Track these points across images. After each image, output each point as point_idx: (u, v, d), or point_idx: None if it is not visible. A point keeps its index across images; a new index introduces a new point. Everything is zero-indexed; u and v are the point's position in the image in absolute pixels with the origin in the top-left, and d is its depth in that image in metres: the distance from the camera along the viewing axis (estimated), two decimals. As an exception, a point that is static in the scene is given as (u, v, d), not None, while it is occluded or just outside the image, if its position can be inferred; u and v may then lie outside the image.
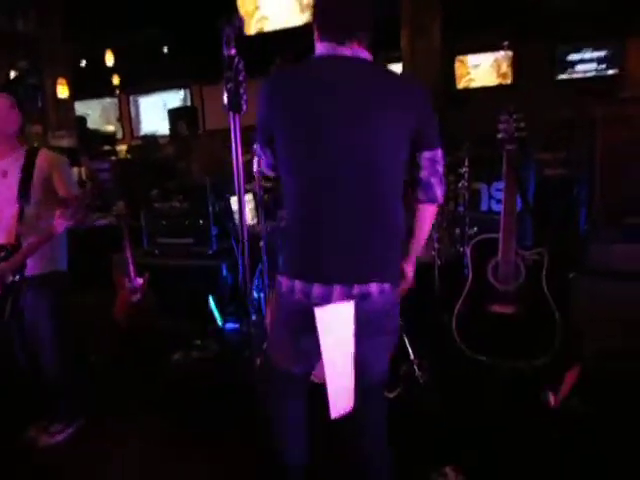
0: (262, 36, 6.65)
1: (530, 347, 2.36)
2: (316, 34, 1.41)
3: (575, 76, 7.49)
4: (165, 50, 8.75)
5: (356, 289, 1.36)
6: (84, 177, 5.14)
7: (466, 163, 2.76)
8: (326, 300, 1.36)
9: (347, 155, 1.31)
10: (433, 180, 1.41)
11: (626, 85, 6.47)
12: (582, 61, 7.50)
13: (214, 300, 3.36)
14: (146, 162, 5.26)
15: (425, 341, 2.51)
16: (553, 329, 2.35)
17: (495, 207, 3.40)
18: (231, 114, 1.30)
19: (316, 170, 1.34)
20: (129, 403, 2.55)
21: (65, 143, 5.03)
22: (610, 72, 7.29)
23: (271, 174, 1.54)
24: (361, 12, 1.37)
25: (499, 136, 2.30)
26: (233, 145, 1.33)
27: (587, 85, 7.18)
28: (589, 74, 7.42)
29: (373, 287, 1.37)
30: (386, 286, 1.39)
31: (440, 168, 1.42)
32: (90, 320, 3.30)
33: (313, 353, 1.40)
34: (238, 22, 1.30)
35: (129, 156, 6.79)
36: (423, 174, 1.41)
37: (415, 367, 2.36)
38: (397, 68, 8.09)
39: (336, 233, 1.35)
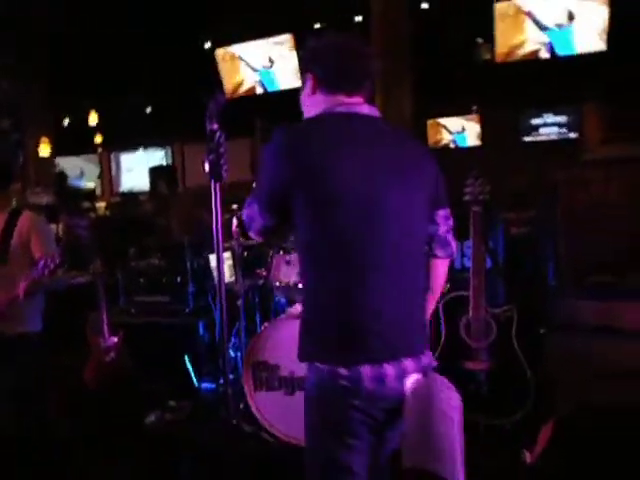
0: (240, 99, 6.96)
1: (504, 404, 2.39)
2: (316, 86, 1.34)
3: (539, 139, 7.98)
4: (148, 110, 9.05)
5: (424, 359, 1.28)
6: (61, 234, 5.12)
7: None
8: (400, 379, 1.22)
9: (389, 218, 1.25)
10: (449, 236, 1.43)
11: (586, 148, 6.90)
12: (545, 125, 8.02)
13: (190, 359, 3.31)
14: (125, 219, 5.29)
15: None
16: (526, 385, 2.39)
17: (467, 264, 3.51)
18: (212, 182, 1.38)
19: (356, 234, 1.22)
20: (100, 469, 2.45)
21: (44, 200, 5.05)
22: (571, 135, 7.80)
23: (260, 239, 1.45)
24: (366, 62, 1.36)
25: (465, 198, 2.45)
26: (214, 211, 1.40)
27: (550, 148, 7.64)
28: (552, 137, 7.92)
29: (425, 359, 1.30)
30: (429, 353, 1.34)
31: (452, 224, 1.45)
32: (62, 381, 3.20)
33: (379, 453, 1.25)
34: (221, 98, 1.41)
35: (108, 213, 6.83)
36: (441, 230, 1.41)
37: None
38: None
39: (391, 301, 1.24)
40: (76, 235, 5.20)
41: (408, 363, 1.23)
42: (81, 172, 9.85)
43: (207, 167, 1.36)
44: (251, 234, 1.41)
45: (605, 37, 5.39)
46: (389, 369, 1.21)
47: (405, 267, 1.28)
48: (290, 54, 6.54)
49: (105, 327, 3.18)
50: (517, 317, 2.41)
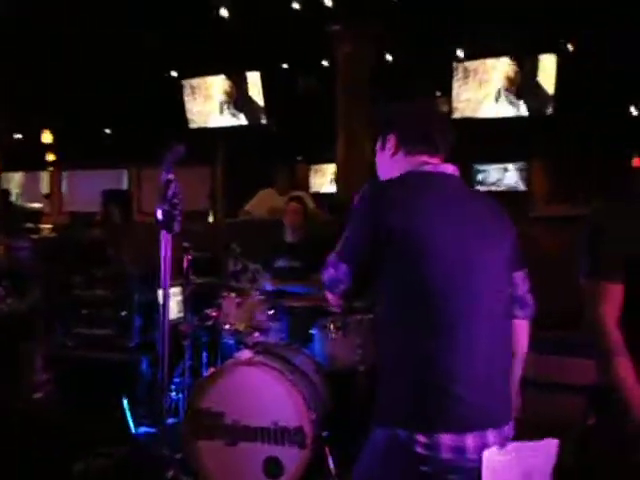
0: (202, 130, 6.96)
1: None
2: (399, 146, 1.37)
3: (491, 189, 8.39)
4: (107, 131, 8.86)
5: (505, 429, 1.23)
6: (0, 255, 4.83)
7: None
8: (480, 451, 1.15)
9: (478, 280, 1.25)
10: (528, 297, 1.43)
11: (533, 204, 7.30)
12: (495, 178, 8.47)
13: (129, 399, 3.15)
14: (72, 244, 5.07)
15: (347, 452, 2.47)
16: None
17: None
18: (163, 233, 1.35)
19: (446, 295, 1.22)
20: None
21: (-17, 219, 4.75)
22: (520, 189, 8.25)
23: (340, 302, 1.43)
24: (446, 126, 1.41)
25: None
26: (162, 262, 1.36)
27: (499, 200, 8.02)
28: (502, 189, 8.34)
29: (511, 425, 1.26)
30: (512, 422, 1.29)
31: (530, 286, 1.43)
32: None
33: None
34: (179, 149, 1.40)
35: (54, 234, 6.53)
36: (521, 290, 1.41)
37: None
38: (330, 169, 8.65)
39: (479, 366, 1.21)
40: (16, 258, 4.93)
41: (490, 434, 1.18)
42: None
43: (159, 217, 1.33)
44: (334, 296, 1.34)
45: (553, 103, 5.83)
46: (470, 440, 1.15)
47: (494, 330, 1.26)
48: (255, 90, 6.65)
49: (38, 362, 2.99)
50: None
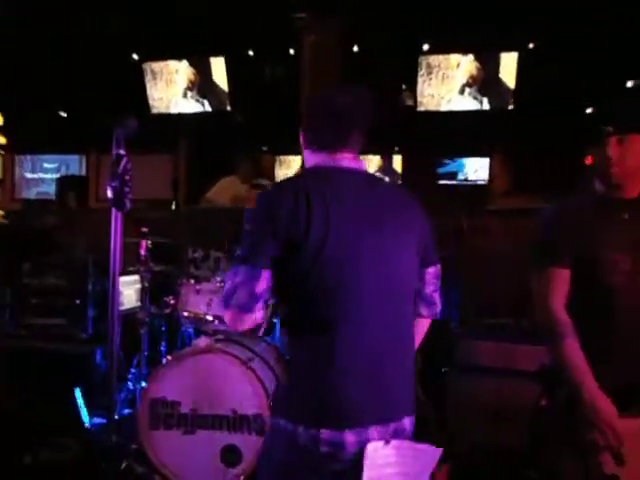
0: (164, 114, 6.78)
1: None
2: (305, 143, 1.38)
3: (453, 183, 8.54)
4: (63, 114, 8.48)
5: (391, 426, 1.22)
6: (-56, 242, 4.57)
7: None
8: (360, 446, 1.17)
9: (375, 281, 1.22)
10: (436, 296, 1.40)
11: (491, 197, 7.47)
12: (458, 171, 8.63)
13: (83, 390, 3.04)
14: (22, 230, 4.84)
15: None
16: (427, 425, 2.45)
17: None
18: (114, 210, 1.29)
19: (328, 288, 1.20)
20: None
21: None
22: (481, 182, 8.43)
23: (260, 307, 1.25)
24: (351, 120, 1.35)
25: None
26: (112, 240, 1.31)
27: (461, 192, 8.19)
28: (464, 182, 8.52)
29: (407, 422, 1.26)
30: (413, 418, 1.30)
31: (439, 283, 1.41)
32: None
33: None
34: (132, 124, 1.34)
35: (5, 221, 6.22)
36: (428, 289, 1.38)
37: None
38: (297, 161, 8.62)
39: (369, 367, 1.20)
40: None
41: (374, 430, 1.18)
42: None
43: (109, 194, 1.27)
44: (254, 309, 1.23)
45: (513, 97, 5.98)
46: (349, 436, 1.16)
47: (386, 327, 1.23)
48: (219, 76, 6.52)
49: (-16, 351, 2.85)
50: (421, 355, 2.47)
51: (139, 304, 3.17)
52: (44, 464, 2.57)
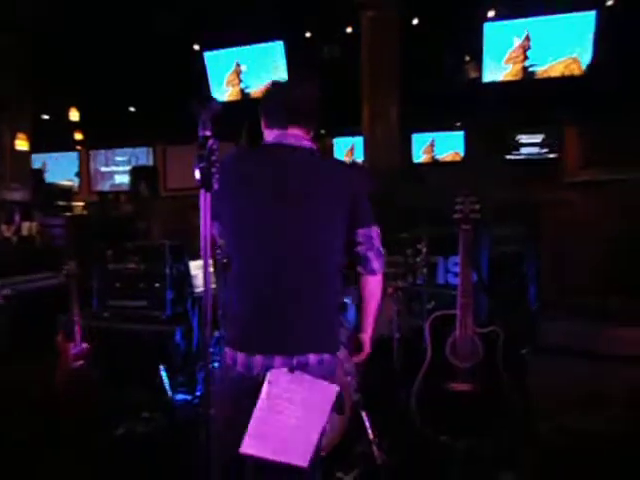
0: (227, 102, 6.90)
1: (487, 425, 2.36)
2: (263, 122, 1.61)
3: (521, 157, 8.11)
4: (132, 109, 8.88)
5: (295, 359, 1.45)
6: (34, 233, 4.95)
7: (424, 240, 2.87)
8: (266, 369, 1.44)
9: (285, 238, 1.47)
10: (370, 254, 1.55)
11: (567, 170, 7.04)
12: (526, 144, 8.17)
13: (165, 369, 3.20)
14: (103, 220, 5.14)
15: (384, 418, 2.46)
16: (508, 407, 2.37)
17: (451, 280, 3.49)
18: (202, 191, 1.31)
19: (256, 250, 1.49)
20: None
21: (18, 196, 4.87)
22: (551, 156, 7.95)
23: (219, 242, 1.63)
24: (303, 101, 1.57)
25: (455, 216, 2.42)
26: (202, 221, 1.33)
27: (532, 167, 7.77)
28: (533, 157, 8.06)
29: (311, 358, 1.46)
30: (325, 356, 1.48)
31: (376, 243, 1.55)
32: (26, 388, 3.06)
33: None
34: (215, 104, 1.34)
35: (85, 212, 6.63)
36: (360, 249, 1.54)
37: (374, 447, 2.29)
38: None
39: (276, 307, 1.46)
40: (50, 234, 5.04)
41: (277, 359, 1.44)
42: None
43: (197, 175, 1.29)
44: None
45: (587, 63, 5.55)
46: (258, 359, 1.45)
47: (298, 280, 1.46)
48: (279, 61, 6.53)
49: (76, 332, 3.05)
50: (502, 338, 2.39)
51: (214, 287, 3.27)
52: (135, 436, 2.74)
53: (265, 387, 1.42)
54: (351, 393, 2.34)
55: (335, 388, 1.46)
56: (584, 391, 2.55)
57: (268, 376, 1.42)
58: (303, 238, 1.48)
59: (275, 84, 1.64)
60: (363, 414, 2.35)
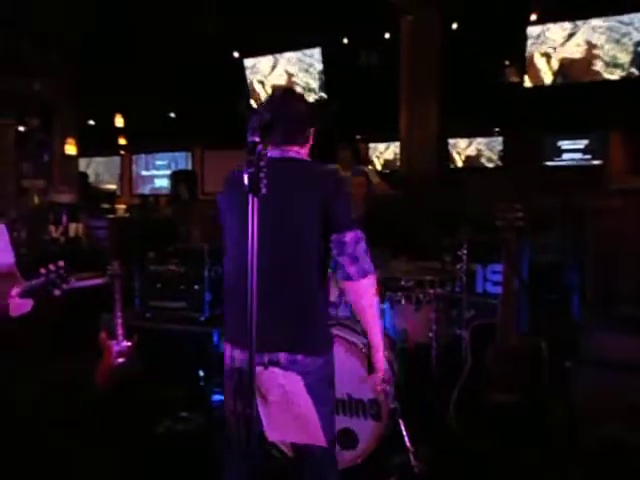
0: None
1: (530, 437, 2.29)
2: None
3: (561, 164, 7.88)
4: (172, 115, 9.13)
5: (266, 357, 1.55)
6: (80, 234, 5.14)
7: (464, 246, 2.82)
8: (244, 362, 1.55)
9: (264, 243, 1.52)
10: (342, 260, 1.57)
11: (610, 176, 6.79)
12: (568, 150, 7.92)
13: (203, 369, 3.26)
14: (144, 222, 5.29)
15: (421, 427, 2.43)
16: (552, 419, 2.30)
17: (490, 289, 3.42)
18: (250, 196, 1.34)
19: (238, 252, 1.59)
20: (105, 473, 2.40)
21: (66, 199, 5.08)
22: (595, 162, 7.68)
23: None
24: (290, 120, 1.63)
25: (498, 223, 2.38)
26: (250, 224, 1.36)
27: (573, 173, 7.53)
28: (574, 163, 7.81)
29: (282, 356, 1.55)
30: (299, 357, 1.55)
31: (350, 248, 1.56)
32: (70, 384, 3.17)
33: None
34: (266, 114, 1.38)
35: (127, 215, 6.85)
36: (335, 255, 1.58)
37: (411, 456, 2.27)
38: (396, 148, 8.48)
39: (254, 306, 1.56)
40: (96, 236, 5.23)
41: (258, 355, 1.52)
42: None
43: (246, 180, 1.32)
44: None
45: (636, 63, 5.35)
46: (237, 353, 1.61)
47: (275, 282, 1.55)
48: (316, 67, 6.58)
49: (119, 330, 3.15)
50: (546, 349, 2.32)
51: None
52: (174, 434, 2.80)
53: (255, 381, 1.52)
54: (388, 401, 2.33)
55: (297, 378, 1.52)
56: (628, 404, 2.45)
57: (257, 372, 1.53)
58: (280, 242, 1.56)
59: (268, 101, 1.70)
60: (400, 422, 2.33)
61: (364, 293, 1.60)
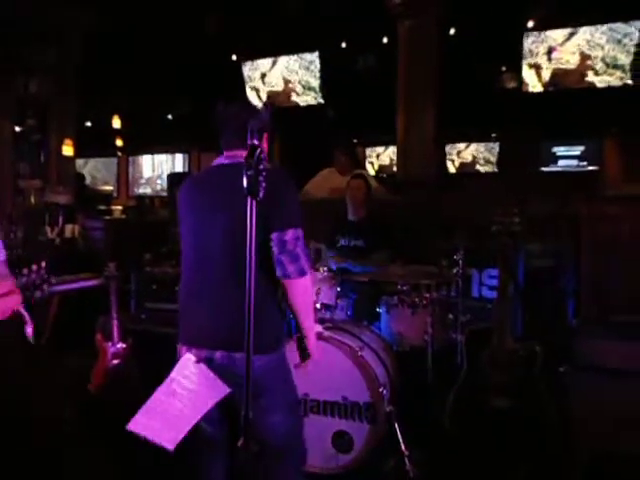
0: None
1: (524, 441, 2.30)
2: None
3: (557, 169, 7.92)
4: (169, 117, 9.12)
5: (203, 353, 1.66)
6: (76, 235, 5.12)
7: (460, 251, 2.83)
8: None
9: (210, 241, 1.66)
10: (282, 258, 1.59)
11: (605, 182, 6.84)
12: (563, 156, 7.97)
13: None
14: (141, 224, 5.28)
15: (417, 431, 2.44)
16: (546, 425, 2.31)
17: (486, 294, 3.44)
18: (249, 199, 1.34)
19: (191, 252, 1.74)
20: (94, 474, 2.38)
21: (62, 200, 5.06)
22: (590, 168, 7.73)
23: None
24: (237, 127, 1.66)
25: (494, 229, 2.39)
26: (248, 227, 1.36)
27: (569, 179, 7.58)
28: (570, 169, 7.85)
29: (217, 354, 1.64)
30: (237, 355, 1.58)
31: (291, 247, 1.59)
32: (64, 385, 3.15)
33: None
34: (265, 115, 1.38)
35: (124, 216, 6.83)
36: (274, 252, 1.60)
37: (406, 460, 2.27)
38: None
39: (195, 306, 1.71)
40: (92, 237, 5.21)
41: (193, 350, 1.70)
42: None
43: (245, 183, 1.32)
44: None
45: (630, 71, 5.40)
46: (184, 350, 1.74)
47: (218, 281, 1.65)
48: (313, 71, 6.60)
49: (115, 332, 3.14)
50: (541, 353, 2.33)
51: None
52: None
53: (172, 372, 1.66)
54: (384, 404, 2.33)
55: (225, 389, 1.57)
56: (623, 411, 2.46)
57: (179, 362, 1.66)
58: (224, 243, 1.62)
59: (219, 110, 1.77)
60: (396, 426, 2.33)
61: (302, 291, 1.65)
